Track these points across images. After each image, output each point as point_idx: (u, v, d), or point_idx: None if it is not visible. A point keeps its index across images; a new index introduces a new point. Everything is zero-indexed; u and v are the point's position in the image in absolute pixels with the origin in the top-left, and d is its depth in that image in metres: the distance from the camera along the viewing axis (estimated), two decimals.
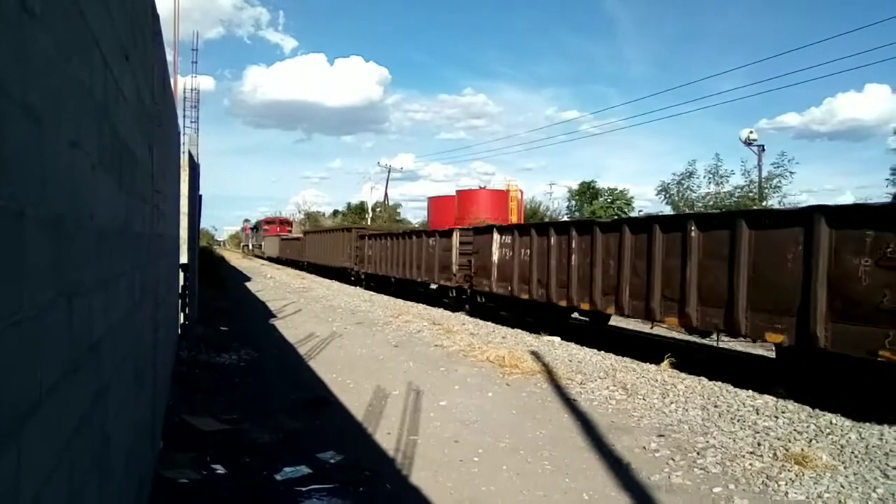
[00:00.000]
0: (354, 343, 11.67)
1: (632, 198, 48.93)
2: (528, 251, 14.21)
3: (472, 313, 16.98)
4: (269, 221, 69.94)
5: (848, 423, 6.71)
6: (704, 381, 8.62)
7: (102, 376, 2.13)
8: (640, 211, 39.83)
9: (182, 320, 10.50)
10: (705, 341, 12.22)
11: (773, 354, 10.00)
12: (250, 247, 79.35)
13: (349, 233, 29.58)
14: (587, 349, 11.25)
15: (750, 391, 8.03)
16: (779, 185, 33.03)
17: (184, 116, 28.12)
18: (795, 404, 7.44)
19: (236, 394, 7.64)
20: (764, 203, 30.44)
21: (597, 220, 13.19)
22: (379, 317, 16.03)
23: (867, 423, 6.68)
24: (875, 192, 67.01)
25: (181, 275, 10.17)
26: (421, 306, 18.72)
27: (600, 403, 7.54)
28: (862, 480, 5.11)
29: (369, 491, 4.72)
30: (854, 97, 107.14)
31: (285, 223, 68.72)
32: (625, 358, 10.33)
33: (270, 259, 56.47)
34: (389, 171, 68.44)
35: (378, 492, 4.72)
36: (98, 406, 2.04)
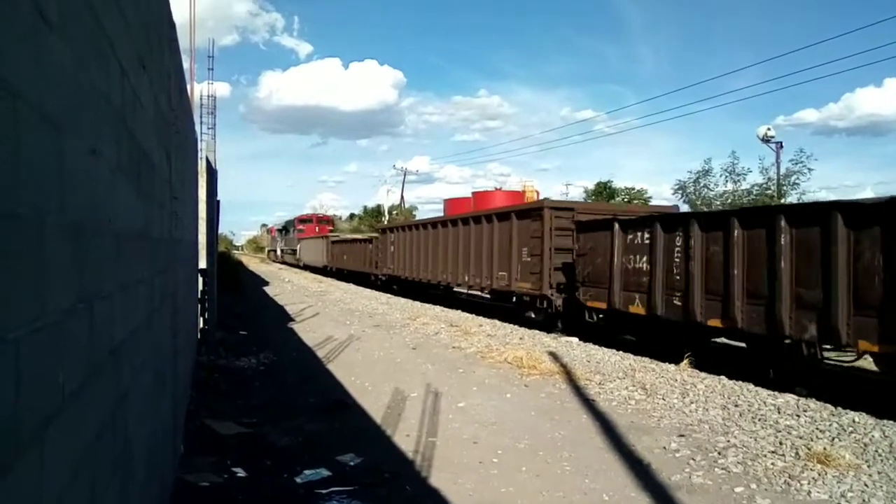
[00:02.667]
0: (372, 345, 11.69)
1: (649, 197, 48.75)
2: (690, 251, 9.85)
3: (570, 333, 13.17)
4: (304, 220, 57.12)
5: (871, 421, 6.61)
6: (724, 380, 8.54)
7: (123, 381, 2.15)
8: None
9: (201, 325, 10.58)
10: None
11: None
12: (278, 252, 66.00)
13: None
14: (605, 349, 11.19)
15: (771, 390, 7.95)
16: (797, 181, 32.71)
17: (200, 123, 28.34)
18: (817, 402, 7.35)
19: (256, 398, 7.68)
20: (782, 200, 30.12)
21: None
22: (396, 319, 16.04)
23: (890, 421, 6.58)
24: None
25: (200, 280, 10.25)
26: (438, 308, 18.67)
27: (619, 403, 7.50)
28: (886, 479, 5.04)
29: (389, 493, 4.72)
30: (873, 92, 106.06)
31: (325, 221, 57.20)
32: (643, 358, 10.26)
33: (309, 268, 44.40)
34: (405, 174, 68.22)
35: (398, 494, 4.73)
36: (119, 410, 2.06)
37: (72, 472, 1.42)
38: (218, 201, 13.47)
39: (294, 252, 53.70)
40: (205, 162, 10.88)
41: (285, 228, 63.53)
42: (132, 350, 2.36)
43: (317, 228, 52.56)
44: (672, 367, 9.39)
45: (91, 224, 1.64)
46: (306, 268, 45.84)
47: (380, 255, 25.73)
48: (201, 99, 28.21)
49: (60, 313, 1.33)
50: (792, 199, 31.39)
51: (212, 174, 11.31)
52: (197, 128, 17.12)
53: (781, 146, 32.33)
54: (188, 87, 9.46)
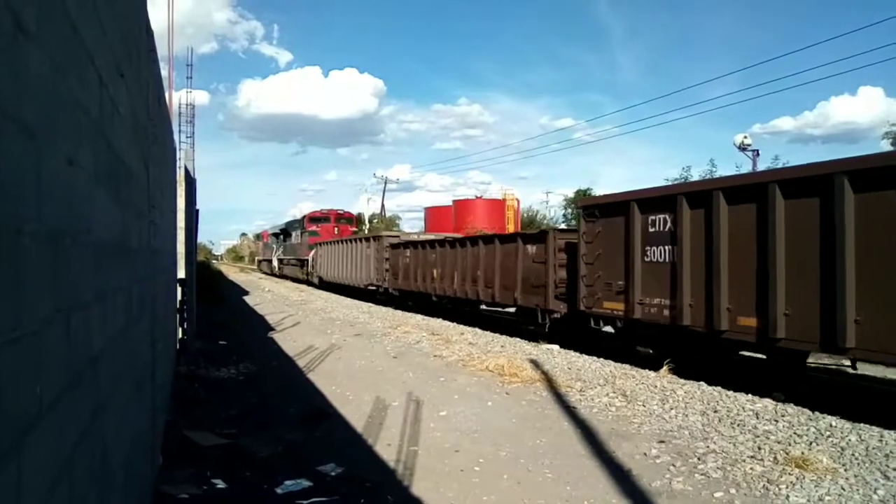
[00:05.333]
0: (353, 355, 11.64)
1: None
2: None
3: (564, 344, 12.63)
4: (317, 218, 41.03)
5: (848, 425, 6.71)
6: (704, 386, 8.61)
7: (101, 391, 2.14)
8: None
9: (180, 335, 10.48)
10: None
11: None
12: (274, 263, 51.34)
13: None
14: (586, 357, 11.24)
15: (749, 395, 8.03)
16: None
17: (179, 132, 28.22)
18: (795, 407, 7.44)
19: (235, 408, 7.62)
20: None
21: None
22: (378, 328, 16.00)
23: (866, 425, 6.68)
24: None
25: (179, 289, 10.16)
26: (419, 317, 18.68)
27: (600, 410, 7.54)
28: (863, 482, 5.11)
29: (371, 503, 4.71)
30: (848, 100, 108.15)
31: (346, 220, 41.86)
32: (624, 365, 10.32)
33: (332, 287, 31.06)
34: (385, 183, 68.17)
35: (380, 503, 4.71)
36: (97, 421, 2.04)
37: (49, 484, 1.41)
38: (197, 210, 13.37)
39: (301, 264, 40.15)
40: (183, 171, 10.81)
41: (285, 232, 48.12)
42: (110, 360, 2.34)
43: (336, 229, 38.70)
44: (652, 373, 9.46)
45: (69, 233, 1.63)
46: (326, 286, 32.31)
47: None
48: (180, 107, 28.09)
49: (38, 323, 1.33)
50: None
51: (190, 183, 11.23)
52: (175, 136, 17.01)
53: (758, 154, 32.77)
54: (166, 95, 9.41)
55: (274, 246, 53.19)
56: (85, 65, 1.84)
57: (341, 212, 42.76)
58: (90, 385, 1.93)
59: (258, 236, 72.72)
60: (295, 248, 43.98)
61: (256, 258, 73.01)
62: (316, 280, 35.16)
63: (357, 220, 45.49)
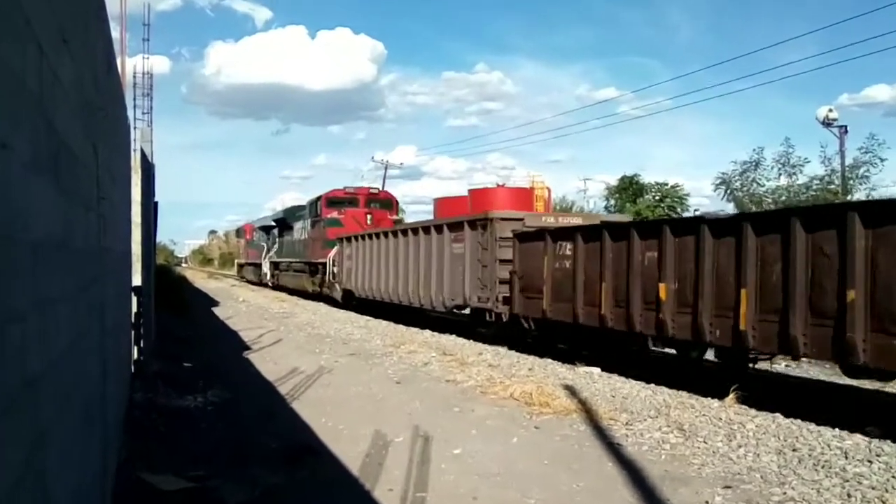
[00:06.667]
0: (347, 379, 11.69)
1: (686, 194, 48.72)
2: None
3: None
4: (338, 199, 33.28)
5: None
6: (780, 418, 8.58)
7: (41, 421, 2.17)
8: (695, 210, 39.68)
9: (136, 355, 10.56)
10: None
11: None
12: (265, 270, 45.20)
13: None
14: (633, 382, 11.23)
15: (836, 430, 7.99)
16: (867, 174, 32.95)
17: (134, 107, 28.41)
18: (893, 445, 7.39)
19: (203, 443, 7.67)
20: (848, 197, 30.29)
21: None
22: (376, 347, 16.06)
23: None
24: None
25: (134, 299, 10.24)
26: (427, 333, 18.75)
27: (651, 448, 7.53)
28: None
29: None
30: None
31: (383, 203, 34.25)
32: (681, 392, 10.31)
33: (364, 305, 25.72)
34: (386, 168, 68.00)
35: None
36: (36, 457, 2.07)
37: None
38: (156, 203, 13.52)
39: (312, 269, 33.79)
40: (139, 154, 10.91)
41: (283, 223, 41.73)
42: (53, 384, 2.38)
43: (368, 217, 31.42)
44: (715, 402, 9.44)
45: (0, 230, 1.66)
46: (360, 306, 26.03)
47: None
48: (135, 77, 28.35)
49: None
50: (860, 194, 31.61)
51: (148, 170, 11.34)
52: (130, 112, 17.16)
53: (846, 131, 32.56)
54: (118, 62, 9.50)
55: (264, 244, 46.72)
56: (21, 29, 1.87)
57: (375, 190, 35.20)
58: (27, 413, 1.97)
59: (239, 231, 63.96)
60: (300, 245, 36.94)
61: (237, 261, 66.22)
62: (338, 294, 28.55)
63: (397, 204, 36.01)
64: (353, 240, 27.02)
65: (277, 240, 43.05)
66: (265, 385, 11.25)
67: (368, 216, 31.55)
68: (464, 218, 18.60)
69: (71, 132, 2.92)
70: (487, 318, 16.97)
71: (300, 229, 37.36)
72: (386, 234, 23.60)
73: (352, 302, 27.09)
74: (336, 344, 16.73)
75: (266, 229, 46.96)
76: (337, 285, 28.90)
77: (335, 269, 29.22)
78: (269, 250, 45.21)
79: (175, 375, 11.42)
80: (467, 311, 18.52)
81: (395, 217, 33.32)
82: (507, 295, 15.97)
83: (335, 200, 33.22)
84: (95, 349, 4.16)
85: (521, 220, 16.68)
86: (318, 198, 34.06)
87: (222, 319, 23.25)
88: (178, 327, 18.48)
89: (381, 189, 35.46)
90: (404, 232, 22.22)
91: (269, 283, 43.99)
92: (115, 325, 6.24)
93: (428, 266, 19.87)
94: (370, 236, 25.19)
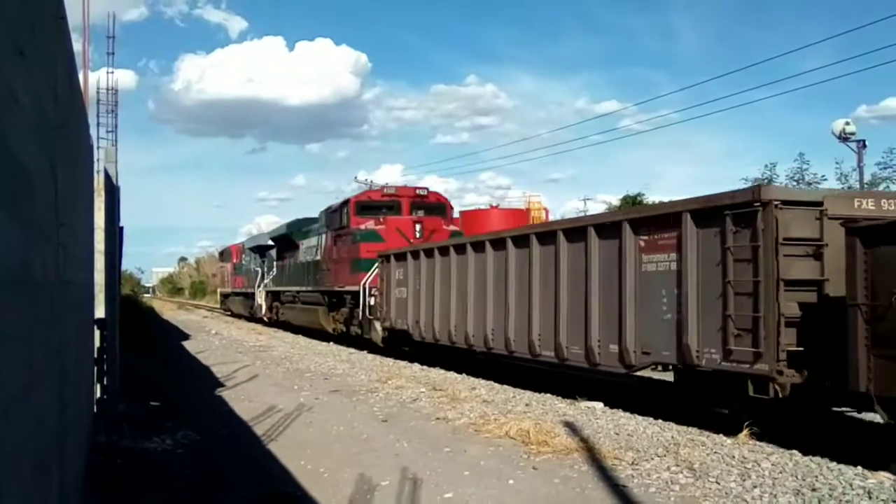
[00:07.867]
0: (329, 417, 11.62)
1: None
2: None
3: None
4: (374, 205, 26.29)
5: None
6: (797, 455, 8.56)
7: None
8: None
9: (99, 394, 10.47)
10: None
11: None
12: (260, 302, 39.60)
13: None
14: (639, 417, 11.20)
15: (858, 468, 7.97)
16: (887, 190, 33.14)
17: (98, 125, 28.30)
18: None
19: (172, 491, 7.59)
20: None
21: None
22: (361, 382, 16.00)
23: None
24: None
25: (97, 333, 10.17)
26: (416, 366, 18.67)
27: (659, 490, 7.49)
28: None
29: None
30: None
31: (429, 207, 26.80)
32: (690, 428, 10.27)
33: (426, 353, 19.86)
34: (371, 189, 68.48)
35: None
36: None
37: None
38: (121, 228, 13.45)
39: (334, 301, 27.32)
40: (103, 176, 10.87)
41: (285, 241, 35.35)
42: (3, 431, 2.32)
43: (417, 227, 25.10)
44: (728, 440, 9.41)
45: None
46: (420, 354, 20.36)
47: None
48: (98, 93, 28.29)
49: None
50: None
51: (112, 192, 11.29)
52: (93, 131, 17.14)
53: (864, 145, 32.64)
54: (80, 77, 9.49)
55: (258, 269, 40.27)
56: None
57: (423, 191, 27.37)
58: None
59: (224, 254, 57.02)
60: (313, 269, 30.00)
61: (220, 291, 60.40)
62: (378, 335, 22.81)
63: (451, 209, 28.56)
64: (409, 257, 20.78)
65: (276, 263, 37.10)
66: (240, 425, 11.17)
67: (417, 226, 25.13)
68: (680, 207, 11.24)
69: (28, 153, 2.88)
70: (750, 390, 9.69)
71: (311, 248, 30.57)
72: (482, 246, 16.80)
73: (403, 347, 21.60)
74: (317, 379, 16.66)
75: (260, 250, 40.65)
76: (377, 323, 22.76)
77: (379, 302, 22.78)
78: (264, 276, 39.14)
79: (141, 416, 11.33)
80: (647, 370, 12.26)
81: (451, 228, 26.16)
82: (799, 349, 9.28)
83: (369, 205, 26.24)
84: (54, 392, 4.09)
85: (819, 204, 9.56)
86: (344, 203, 27.09)
87: (193, 354, 23.15)
88: (145, 363, 18.39)
89: (429, 190, 27.86)
90: (521, 240, 15.31)
91: (265, 318, 38.21)
92: (76, 363, 6.17)
93: (575, 295, 13.27)
94: (444, 250, 18.85)
